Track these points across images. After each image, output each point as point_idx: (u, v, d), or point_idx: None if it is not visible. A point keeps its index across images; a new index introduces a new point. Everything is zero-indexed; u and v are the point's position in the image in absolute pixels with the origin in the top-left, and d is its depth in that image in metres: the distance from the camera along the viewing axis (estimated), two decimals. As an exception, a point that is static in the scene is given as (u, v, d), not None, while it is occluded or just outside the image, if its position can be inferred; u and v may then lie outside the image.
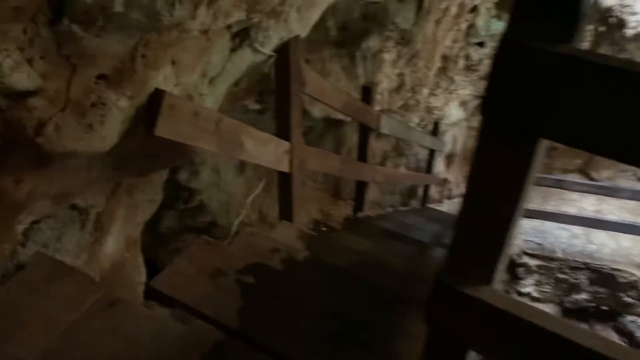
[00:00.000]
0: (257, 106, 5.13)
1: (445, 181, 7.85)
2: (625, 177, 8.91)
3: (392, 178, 5.03)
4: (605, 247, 6.96)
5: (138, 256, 2.65)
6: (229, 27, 1.89)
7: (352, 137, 6.31)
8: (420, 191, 6.97)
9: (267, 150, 2.40)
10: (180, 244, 7.31)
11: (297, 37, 2.37)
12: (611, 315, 7.02)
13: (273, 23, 2.07)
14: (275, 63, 2.41)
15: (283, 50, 2.35)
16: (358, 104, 3.47)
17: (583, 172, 8.91)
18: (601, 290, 6.83)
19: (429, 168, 6.67)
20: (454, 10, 5.55)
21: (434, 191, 7.53)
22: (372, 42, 5.17)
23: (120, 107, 1.50)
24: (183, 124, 1.75)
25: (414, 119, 6.80)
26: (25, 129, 1.34)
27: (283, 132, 2.56)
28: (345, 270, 2.17)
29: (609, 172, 8.87)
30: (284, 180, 2.68)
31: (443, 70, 6.45)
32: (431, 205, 7.55)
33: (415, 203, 7.17)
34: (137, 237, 2.65)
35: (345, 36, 4.94)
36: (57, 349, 1.45)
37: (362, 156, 3.86)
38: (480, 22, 5.92)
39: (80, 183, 1.86)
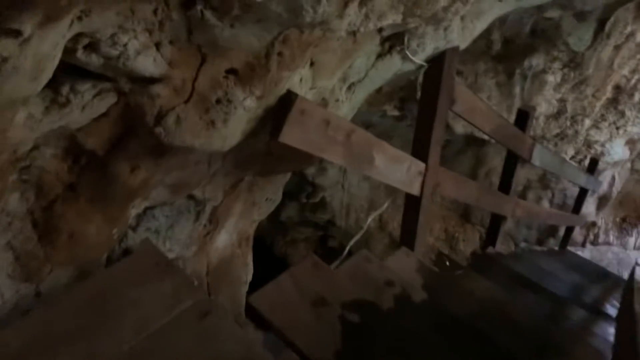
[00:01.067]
0: (396, 112, 4.94)
1: (592, 224, 6.98)
2: None
3: (535, 215, 4.48)
4: None
5: (248, 253, 2.57)
6: (380, 30, 1.68)
7: (494, 159, 5.82)
8: (561, 231, 6.24)
9: (399, 170, 2.15)
10: (297, 235, 7.39)
11: (455, 48, 2.09)
12: None
13: (431, 30, 1.82)
14: (425, 74, 2.16)
15: (436, 61, 2.09)
16: (511, 129, 3.08)
17: None
18: None
19: (577, 208, 5.93)
20: (639, 36, 4.82)
21: (577, 233, 6.73)
22: (536, 61, 4.68)
23: (247, 107, 1.36)
24: (311, 131, 1.57)
25: (569, 151, 6.10)
26: (146, 116, 1.25)
27: (420, 151, 2.30)
28: (465, 322, 1.87)
29: None
30: (412, 203, 2.42)
31: (613, 102, 5.68)
32: (571, 249, 6.77)
33: (553, 243, 6.46)
34: (250, 234, 2.57)
35: (506, 50, 4.53)
36: (143, 351, 1.37)
37: (505, 186, 3.44)
38: (670, 52, 5.09)
39: (199, 176, 1.78)
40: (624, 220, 7.37)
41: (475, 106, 2.49)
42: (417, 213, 2.42)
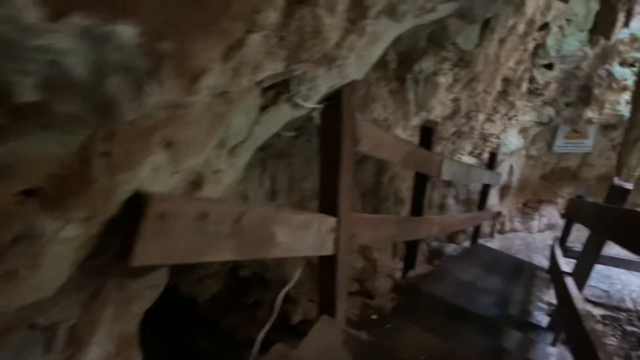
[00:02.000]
0: (292, 133, 4.55)
1: (498, 214, 7.07)
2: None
3: (450, 227, 4.31)
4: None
5: (135, 356, 2.04)
6: (259, 82, 1.25)
7: (395, 166, 5.64)
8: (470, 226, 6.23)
9: (307, 236, 1.75)
10: (204, 272, 6.78)
11: (352, 82, 1.72)
12: (685, 374, 6.12)
13: (323, 71, 1.42)
14: (322, 117, 1.76)
15: (333, 101, 1.70)
16: (419, 153, 2.80)
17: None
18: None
19: (482, 203, 5.92)
20: (521, 28, 4.82)
21: (484, 224, 6.77)
22: (426, 64, 4.49)
23: (67, 238, 0.87)
24: (181, 237, 1.12)
25: (467, 147, 6.08)
26: None
27: (328, 205, 1.92)
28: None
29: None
30: (327, 264, 2.02)
31: (503, 94, 5.71)
32: (482, 241, 6.81)
33: (463, 238, 6.44)
34: (133, 332, 2.04)
35: (400, 62, 4.30)
36: None
37: (418, 209, 3.18)
38: (550, 41, 5.16)
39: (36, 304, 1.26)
40: (525, 205, 7.57)
41: (381, 141, 2.15)
42: (333, 274, 2.03)
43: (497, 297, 3.75)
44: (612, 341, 5.99)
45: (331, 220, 1.89)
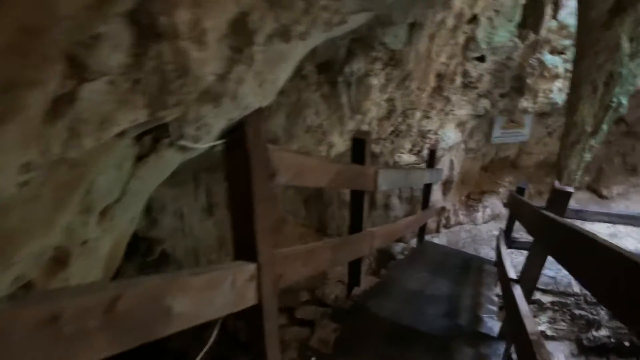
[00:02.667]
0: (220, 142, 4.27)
1: (442, 209, 7.01)
2: (637, 191, 8.20)
3: (394, 235, 4.12)
4: (626, 277, 6.17)
5: None
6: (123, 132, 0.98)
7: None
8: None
9: (220, 294, 1.49)
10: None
11: (257, 111, 1.46)
12: (634, 351, 6.29)
13: (210, 108, 1.16)
14: (225, 152, 1.50)
15: (236, 133, 1.44)
16: (351, 170, 2.57)
17: (592, 189, 8.14)
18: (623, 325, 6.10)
19: (425, 202, 5.81)
20: (450, 22, 4.70)
21: (430, 220, 6.69)
22: (357, 66, 4.30)
23: None
24: (22, 354, 0.84)
25: (406, 145, 5.97)
26: None
27: (244, 250, 1.66)
28: None
29: (620, 187, 8.13)
30: (252, 315, 1.77)
31: (438, 89, 5.61)
32: (429, 237, 6.73)
33: (410, 235, 6.32)
34: None
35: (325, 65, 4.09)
36: None
37: (357, 225, 2.97)
38: (480, 33, 5.07)
39: None
40: (468, 197, 7.55)
41: (304, 167, 1.91)
42: (261, 324, 1.78)
43: (446, 306, 3.60)
44: (562, 326, 6.05)
45: (249, 268, 1.64)
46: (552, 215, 2.10)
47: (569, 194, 2.44)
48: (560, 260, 1.83)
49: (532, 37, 5.14)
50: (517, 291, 2.70)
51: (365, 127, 4.95)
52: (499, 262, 3.95)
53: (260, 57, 1.13)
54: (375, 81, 4.54)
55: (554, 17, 3.98)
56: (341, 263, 2.89)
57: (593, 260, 1.45)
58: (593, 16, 1.86)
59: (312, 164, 2.00)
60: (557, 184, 2.41)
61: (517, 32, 4.35)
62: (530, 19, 3.73)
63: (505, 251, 4.17)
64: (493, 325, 3.38)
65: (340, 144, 4.80)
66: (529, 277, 2.85)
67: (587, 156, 2.29)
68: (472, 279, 4.77)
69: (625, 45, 1.90)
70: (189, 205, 5.38)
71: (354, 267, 3.23)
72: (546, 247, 2.25)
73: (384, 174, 3.07)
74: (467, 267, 5.31)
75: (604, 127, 2.18)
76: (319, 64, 3.73)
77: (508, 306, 2.87)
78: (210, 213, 5.64)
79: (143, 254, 5.62)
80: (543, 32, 4.96)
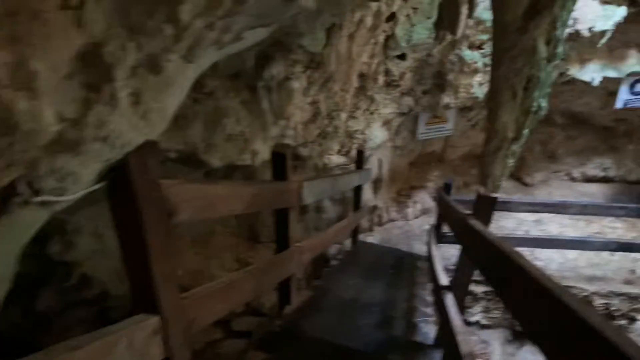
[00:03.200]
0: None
1: (374, 208, 6.97)
2: (558, 177, 8.55)
3: (326, 244, 3.97)
4: (552, 262, 6.41)
5: None
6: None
7: (265, 172, 5.26)
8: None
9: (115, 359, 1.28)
10: (68, 322, 5.91)
11: (143, 146, 1.25)
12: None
13: (69, 157, 0.95)
14: (108, 197, 1.29)
15: (118, 174, 1.23)
16: (270, 189, 2.39)
17: (516, 177, 8.40)
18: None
19: (357, 203, 5.74)
20: (369, 21, 4.61)
21: (363, 220, 6.64)
22: (276, 69, 4.12)
23: None
24: None
25: (335, 147, 5.85)
26: None
27: (142, 301, 1.45)
28: None
29: (541, 174, 8.44)
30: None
31: (361, 89, 5.52)
32: (363, 236, 6.68)
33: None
34: None
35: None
36: None
37: (283, 243, 2.80)
38: (400, 31, 5.02)
39: None
40: (399, 194, 7.57)
41: (211, 198, 1.71)
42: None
43: (380, 315, 3.51)
44: (495, 314, 6.18)
45: (151, 322, 1.43)
46: (477, 227, 2.02)
47: (494, 200, 2.39)
48: (485, 276, 1.75)
49: (449, 38, 5.16)
50: (450, 301, 2.63)
51: (290, 132, 4.78)
52: (431, 269, 3.92)
53: (124, 93, 0.93)
54: (296, 85, 4.38)
55: (470, 16, 3.98)
56: (268, 289, 2.72)
57: (517, 284, 1.37)
58: (508, 20, 1.78)
59: (222, 192, 1.80)
60: (481, 190, 2.34)
61: (434, 33, 4.31)
62: (447, 20, 3.68)
63: (435, 252, 4.14)
64: (428, 330, 3.33)
65: (265, 151, 4.61)
66: (460, 283, 2.80)
67: (511, 162, 2.23)
68: (405, 279, 4.74)
69: (542, 49, 1.84)
70: (107, 224, 5.03)
71: (284, 286, 3.06)
72: (472, 260, 2.18)
73: (308, 187, 2.92)
74: (401, 266, 5.29)
75: (526, 132, 2.13)
76: (228, 76, 3.52)
77: (441, 317, 2.81)
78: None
79: (61, 280, 5.20)
80: (460, 34, 4.99)
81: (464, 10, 3.67)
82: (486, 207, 2.42)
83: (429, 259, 4.76)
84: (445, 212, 3.66)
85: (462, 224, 2.35)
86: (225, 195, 1.83)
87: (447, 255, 4.99)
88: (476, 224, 2.13)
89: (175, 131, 3.92)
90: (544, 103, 2.11)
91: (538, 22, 1.78)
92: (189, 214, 1.55)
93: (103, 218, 5.27)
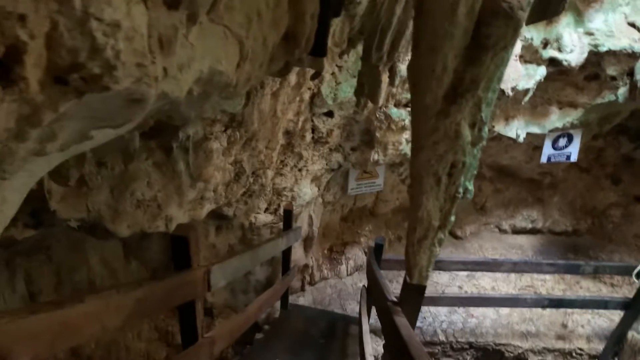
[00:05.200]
0: (30, 232, 3.66)
1: (305, 267, 6.66)
2: (488, 229, 8.62)
3: (243, 326, 3.55)
4: (486, 318, 6.31)
5: None
6: None
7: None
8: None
9: None
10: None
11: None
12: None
13: None
14: None
15: None
16: (163, 287, 2.02)
17: (446, 231, 8.37)
18: None
19: (285, 266, 5.43)
20: (293, 79, 4.43)
21: (294, 280, 6.31)
22: (193, 129, 3.82)
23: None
24: None
25: (262, 205, 5.56)
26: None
27: None
28: None
29: (472, 227, 8.48)
30: None
31: (288, 146, 5.31)
32: (294, 298, 6.34)
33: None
34: None
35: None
36: None
37: (190, 338, 2.43)
38: (326, 89, 4.88)
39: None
40: (331, 250, 7.32)
41: (71, 322, 1.35)
42: None
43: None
44: (431, 375, 5.94)
45: None
46: (403, 331, 1.77)
47: (422, 289, 2.16)
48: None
49: (370, 106, 5.08)
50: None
51: (210, 195, 4.44)
52: (361, 348, 3.64)
53: None
54: (216, 145, 4.09)
55: (392, 84, 3.87)
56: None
57: None
58: (427, 103, 1.57)
59: (90, 309, 1.44)
60: (407, 279, 2.11)
61: (355, 101, 4.18)
62: (367, 88, 3.54)
63: (365, 325, 3.87)
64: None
65: (181, 216, 4.24)
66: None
67: (437, 250, 2.01)
68: (336, 350, 4.43)
69: (467, 133, 1.64)
70: (5, 297, 4.49)
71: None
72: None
73: (219, 269, 2.58)
74: (333, 334, 4.98)
75: (452, 218, 1.91)
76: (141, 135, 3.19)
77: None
78: (33, 302, 4.78)
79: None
80: (381, 102, 4.93)
81: (385, 78, 3.54)
82: (414, 296, 2.19)
83: (359, 324, 4.49)
84: (373, 291, 3.41)
85: (388, 318, 2.10)
86: (95, 313, 1.47)
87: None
88: (402, 324, 1.89)
89: (77, 198, 3.52)
90: (470, 186, 1.92)
91: (461, 105, 1.59)
92: (29, 357, 1.19)
93: (-1, 291, 4.66)
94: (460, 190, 1.85)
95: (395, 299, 2.40)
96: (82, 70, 0.76)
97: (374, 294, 3.37)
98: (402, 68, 4.19)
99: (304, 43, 1.73)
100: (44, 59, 0.74)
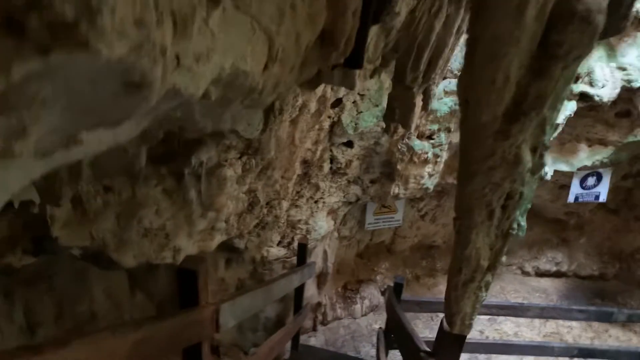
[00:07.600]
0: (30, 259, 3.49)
1: (318, 305, 6.34)
2: (510, 271, 8.26)
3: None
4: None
5: None
6: None
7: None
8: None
9: None
10: None
11: None
12: None
13: None
14: None
15: None
16: (166, 328, 1.76)
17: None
18: None
19: (298, 304, 5.13)
20: (313, 106, 4.23)
21: (306, 318, 6.00)
22: (206, 155, 3.60)
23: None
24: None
25: (275, 238, 5.30)
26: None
27: None
28: None
29: (493, 269, 8.12)
30: None
31: (305, 177, 5.08)
32: (305, 338, 6.00)
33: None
34: None
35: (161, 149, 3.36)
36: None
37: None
38: (346, 118, 4.68)
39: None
40: (345, 288, 7.00)
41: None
42: None
43: None
44: None
45: None
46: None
47: (463, 339, 1.87)
48: None
49: (400, 131, 4.87)
50: None
51: (221, 225, 4.21)
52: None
53: None
54: (230, 172, 3.87)
55: (425, 109, 3.66)
56: None
57: None
58: (485, 120, 1.32)
59: (70, 356, 1.18)
60: (445, 326, 1.83)
61: (385, 126, 3.97)
62: (399, 113, 3.31)
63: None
64: None
65: (190, 247, 4.00)
66: None
67: (484, 294, 1.73)
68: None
69: (527, 159, 1.39)
70: (2, 329, 4.28)
71: None
72: None
73: (229, 308, 2.32)
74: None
75: (503, 259, 1.63)
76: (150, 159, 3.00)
77: None
78: (33, 334, 4.54)
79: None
80: (414, 127, 4.72)
81: (419, 101, 3.33)
82: (453, 347, 1.90)
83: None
84: (397, 336, 3.11)
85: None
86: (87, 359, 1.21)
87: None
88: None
89: (81, 224, 3.31)
90: (522, 222, 1.65)
91: (524, 125, 1.33)
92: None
93: (-5, 321, 4.45)
94: (515, 225, 1.59)
95: (428, 349, 2.12)
96: (47, 10, 0.47)
97: (398, 339, 3.07)
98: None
99: (342, 45, 1.51)
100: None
